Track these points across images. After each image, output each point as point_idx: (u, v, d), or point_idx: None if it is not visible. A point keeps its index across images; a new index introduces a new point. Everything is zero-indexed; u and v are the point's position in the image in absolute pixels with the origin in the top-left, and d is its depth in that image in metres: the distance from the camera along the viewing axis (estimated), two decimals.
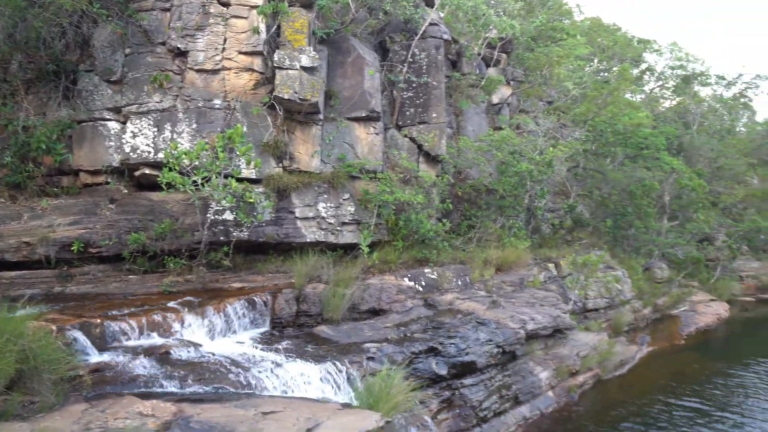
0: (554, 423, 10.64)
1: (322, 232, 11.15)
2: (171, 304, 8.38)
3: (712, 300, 22.00)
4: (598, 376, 13.11)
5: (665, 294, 20.42)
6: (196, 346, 7.52)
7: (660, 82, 37.28)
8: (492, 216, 15.36)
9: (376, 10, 13.62)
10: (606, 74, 29.48)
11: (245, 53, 10.56)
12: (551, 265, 15.84)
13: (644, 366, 14.70)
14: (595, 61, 29.09)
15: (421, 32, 13.76)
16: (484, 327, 10.24)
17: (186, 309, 8.22)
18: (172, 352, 7.11)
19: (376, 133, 12.46)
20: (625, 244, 21.21)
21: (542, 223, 17.72)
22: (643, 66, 36.02)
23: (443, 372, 8.94)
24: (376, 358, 8.22)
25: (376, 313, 10.28)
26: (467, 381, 9.37)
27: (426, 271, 11.96)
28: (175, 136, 10.23)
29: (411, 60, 13.70)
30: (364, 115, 12.17)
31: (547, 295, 13.52)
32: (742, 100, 38.91)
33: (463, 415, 9.03)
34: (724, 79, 37.53)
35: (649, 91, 36.77)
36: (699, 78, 36.53)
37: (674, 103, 35.18)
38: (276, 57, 10.44)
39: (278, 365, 7.26)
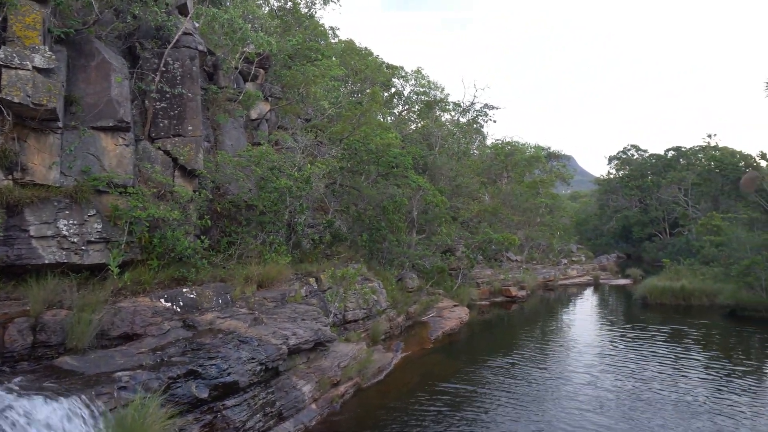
0: None
1: (64, 253, 9.92)
2: None
3: (455, 305, 24.15)
4: (358, 385, 13.55)
5: (416, 302, 21.90)
6: None
7: (407, 106, 40.43)
8: (252, 232, 15.14)
9: (124, 13, 12.69)
10: (359, 95, 31.08)
11: None
12: (312, 280, 16.06)
13: (399, 371, 15.56)
14: (350, 82, 30.51)
15: (174, 41, 13.12)
16: (247, 345, 9.99)
17: None
18: None
19: (126, 145, 11.54)
20: (380, 256, 22.36)
21: (303, 239, 17.93)
22: (393, 90, 38.78)
23: (204, 395, 8.50)
24: (128, 387, 7.52)
25: (129, 338, 9.45)
26: (230, 402, 9.03)
27: (184, 290, 11.33)
28: None
29: (164, 69, 12.98)
30: (111, 124, 11.20)
31: (308, 310, 13.66)
32: (475, 125, 43.84)
33: None
34: (459, 106, 41.97)
35: (398, 114, 39.63)
36: (440, 104, 40.39)
37: (420, 125, 38.35)
38: (2, 54, 9.14)
39: (9, 407, 6.24)
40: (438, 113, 40.16)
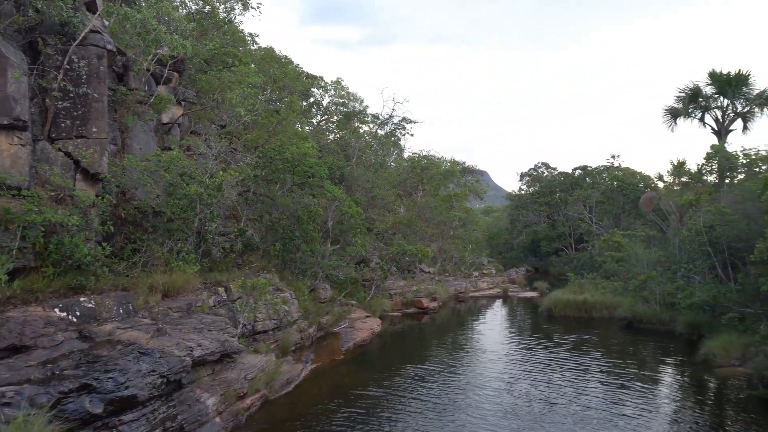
0: None
1: None
2: None
3: (367, 316, 24.22)
4: (265, 397, 13.33)
5: (328, 313, 21.82)
6: None
7: (326, 116, 40.39)
8: (159, 239, 14.62)
9: (25, 6, 12.03)
10: (277, 103, 30.78)
11: None
12: (221, 289, 15.69)
13: (309, 382, 15.43)
14: (267, 90, 30.16)
15: (80, 38, 12.55)
16: (147, 357, 9.63)
17: None
18: None
19: (22, 144, 10.91)
20: (293, 266, 22.15)
21: (213, 247, 17.50)
22: (311, 100, 38.64)
23: (98, 410, 8.12)
24: (13, 403, 7.09)
25: (17, 350, 8.88)
26: (127, 417, 8.67)
27: (82, 299, 10.78)
28: None
29: (68, 67, 12.37)
30: (6, 122, 10.56)
31: (215, 320, 13.34)
32: (392, 138, 44.33)
33: None
34: (378, 118, 42.35)
35: (316, 124, 39.51)
36: (358, 116, 40.60)
37: (338, 136, 38.39)
38: None
39: None
40: (356, 125, 40.33)
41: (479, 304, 34.80)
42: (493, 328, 25.94)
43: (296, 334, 18.38)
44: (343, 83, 39.38)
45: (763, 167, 27.18)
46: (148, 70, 17.19)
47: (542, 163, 62.21)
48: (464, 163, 55.31)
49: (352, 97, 39.89)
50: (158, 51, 17.32)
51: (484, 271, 45.49)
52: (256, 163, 20.71)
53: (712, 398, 15.10)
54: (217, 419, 11.03)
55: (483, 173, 73.91)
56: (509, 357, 19.44)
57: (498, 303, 35.44)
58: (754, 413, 13.39)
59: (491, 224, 70.79)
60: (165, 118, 18.22)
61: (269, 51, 34.18)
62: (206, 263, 16.74)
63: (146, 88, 17.33)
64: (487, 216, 78.59)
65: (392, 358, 19.51)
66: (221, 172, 16.37)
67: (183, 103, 19.19)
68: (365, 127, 41.95)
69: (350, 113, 39.64)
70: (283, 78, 31.34)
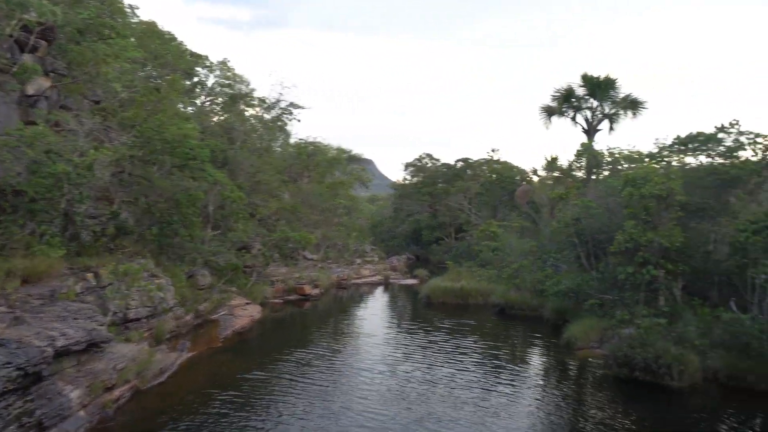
0: None
1: None
2: None
3: (248, 303, 23.84)
4: (136, 388, 12.82)
5: (207, 300, 21.27)
6: None
7: (211, 98, 39.01)
8: (19, 221, 13.58)
9: None
10: (158, 81, 29.36)
11: None
12: (90, 275, 14.83)
13: (184, 371, 14.98)
14: (148, 66, 28.67)
15: None
16: (2, 348, 8.96)
17: None
18: None
19: None
20: (171, 252, 21.32)
21: (82, 230, 16.48)
22: (195, 79, 37.17)
23: None
24: None
25: None
26: None
27: None
28: None
29: None
30: None
31: (82, 307, 12.64)
32: (279, 123, 43.60)
33: None
34: (265, 102, 41.49)
35: (200, 104, 38.07)
36: (245, 99, 39.57)
37: (222, 119, 37.21)
38: None
39: None
40: (242, 107, 39.27)
41: (361, 290, 35.22)
42: (374, 314, 26.39)
43: (172, 321, 17.77)
44: (229, 64, 38.16)
45: (625, 165, 29.37)
46: (11, 36, 15.84)
47: (426, 154, 63.55)
48: (350, 151, 55.44)
49: (238, 79, 38.77)
50: (24, 16, 15.98)
51: (367, 259, 46.06)
52: (133, 143, 19.66)
53: (574, 377, 16.44)
54: (81, 413, 10.47)
55: (369, 162, 74.64)
56: (390, 341, 19.94)
57: (379, 290, 36.04)
58: (608, 390, 14.78)
59: (375, 212, 71.66)
60: (30, 90, 16.89)
61: (151, 25, 32.42)
62: (74, 247, 15.75)
63: (9, 55, 15.98)
64: (372, 204, 79.44)
65: (273, 345, 19.38)
66: (93, 151, 15.42)
67: (52, 74, 17.89)
68: (252, 111, 40.97)
69: (236, 95, 38.51)
70: (166, 55, 29.85)
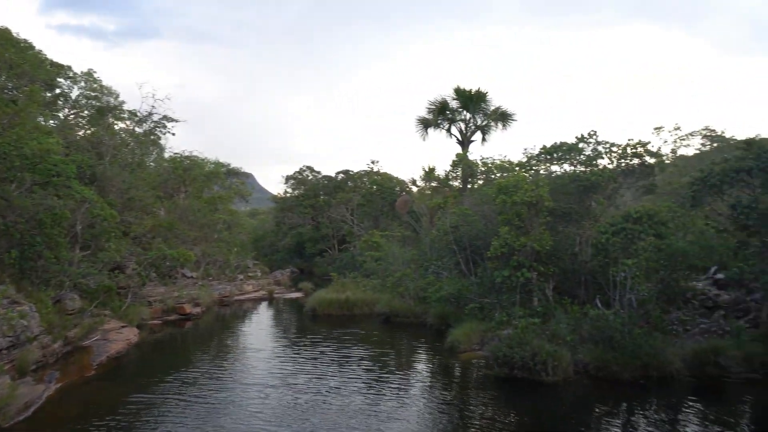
0: None
1: None
2: None
3: (123, 327, 22.56)
4: None
5: (77, 325, 19.94)
6: None
7: (75, 110, 36.74)
8: None
9: None
10: (14, 92, 27.29)
11: None
12: None
13: (54, 404, 13.94)
14: (2, 77, 26.60)
15: None
16: None
17: None
18: None
19: None
20: (34, 276, 19.83)
21: None
22: (58, 91, 34.88)
23: None
24: None
25: None
26: None
27: None
28: None
29: None
30: None
31: None
32: (152, 137, 41.84)
33: None
34: (136, 115, 39.68)
35: (64, 117, 35.75)
36: (113, 111, 37.61)
37: (89, 132, 35.15)
38: None
39: None
40: (111, 121, 37.28)
41: (245, 307, 34.44)
42: (259, 330, 25.93)
43: (37, 351, 16.50)
44: (95, 75, 36.15)
45: (498, 174, 30.88)
46: None
47: (307, 167, 63.46)
48: (229, 164, 54.15)
49: (106, 91, 36.79)
50: None
51: (250, 274, 45.15)
52: None
53: (458, 379, 17.15)
54: None
55: (249, 175, 73.30)
56: (278, 355, 19.75)
57: (264, 305, 35.41)
58: (490, 389, 15.54)
59: (257, 226, 70.46)
60: None
61: (4, 32, 30.09)
62: None
63: None
64: (253, 218, 78.03)
65: (154, 367, 18.54)
66: None
67: None
68: (121, 124, 39.01)
69: (104, 108, 36.52)
70: (22, 64, 27.81)
